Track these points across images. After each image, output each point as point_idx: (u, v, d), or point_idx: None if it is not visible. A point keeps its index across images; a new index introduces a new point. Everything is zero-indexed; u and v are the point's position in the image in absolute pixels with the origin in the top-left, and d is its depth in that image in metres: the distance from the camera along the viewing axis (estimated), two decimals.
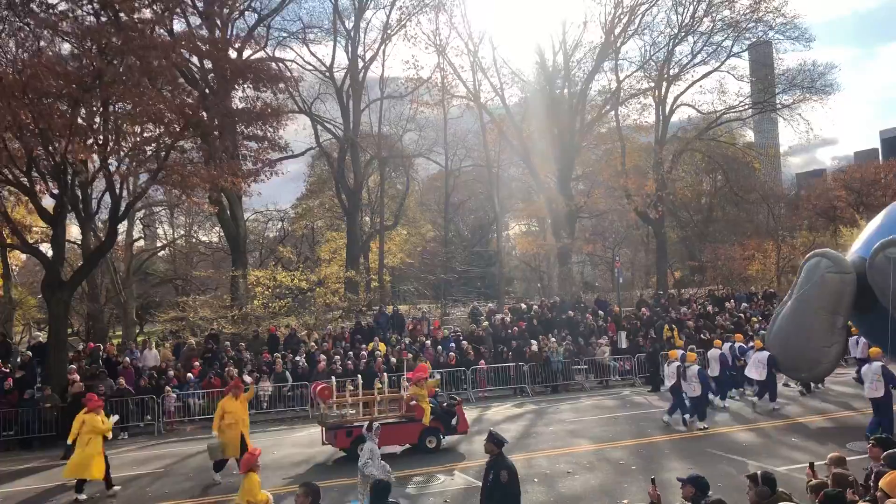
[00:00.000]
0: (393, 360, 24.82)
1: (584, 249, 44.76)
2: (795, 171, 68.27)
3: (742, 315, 30.75)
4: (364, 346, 25.85)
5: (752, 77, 46.84)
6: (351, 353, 25.18)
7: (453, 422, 16.89)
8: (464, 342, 26.56)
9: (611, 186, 38.99)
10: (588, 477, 13.68)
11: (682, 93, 43.32)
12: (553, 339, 26.87)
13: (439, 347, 26.14)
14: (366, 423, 12.61)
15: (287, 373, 23.58)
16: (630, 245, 52.92)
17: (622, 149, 40.92)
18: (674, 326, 28.77)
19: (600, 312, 30.83)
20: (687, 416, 18.14)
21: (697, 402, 18.17)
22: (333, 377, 18.82)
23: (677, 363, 18.95)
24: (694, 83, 42.94)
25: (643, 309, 31.66)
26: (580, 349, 27.25)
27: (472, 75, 39.97)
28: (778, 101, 43.66)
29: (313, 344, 26.05)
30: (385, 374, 20.07)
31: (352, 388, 16.69)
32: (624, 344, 28.07)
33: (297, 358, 24.37)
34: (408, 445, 16.59)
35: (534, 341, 26.55)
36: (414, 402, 16.50)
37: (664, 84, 42.12)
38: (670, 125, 44.21)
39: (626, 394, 24.57)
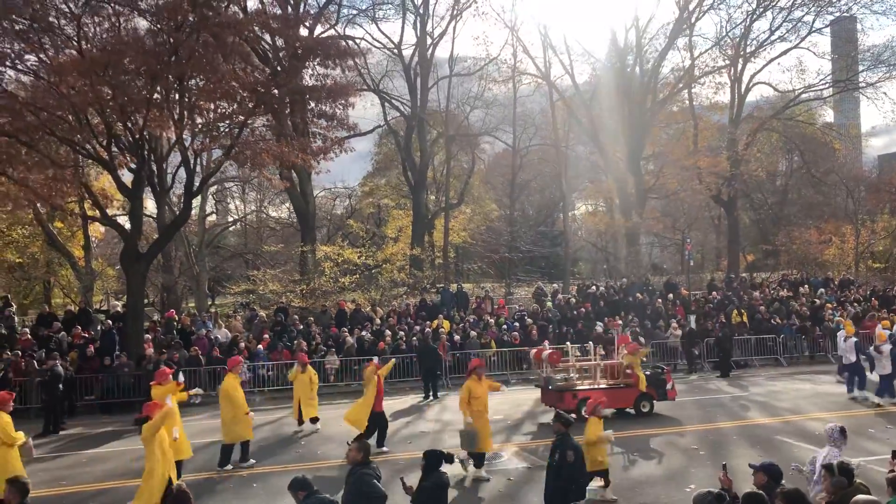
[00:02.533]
0: (456, 337, 24.92)
1: (654, 229, 43.94)
2: (878, 154, 65.24)
3: (817, 301, 29.78)
4: (428, 322, 26.00)
5: (834, 54, 44.95)
6: (417, 328, 25.38)
7: (668, 386, 18.18)
8: (528, 321, 26.44)
9: (682, 166, 38.02)
10: (654, 461, 13.50)
11: (759, 71, 41.90)
12: (620, 322, 26.53)
13: (504, 326, 26.10)
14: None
15: (354, 347, 23.92)
16: (701, 227, 51.74)
17: (695, 128, 39.88)
18: (743, 311, 28.06)
19: (669, 295, 30.26)
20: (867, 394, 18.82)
21: (889, 380, 18.51)
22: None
23: (854, 339, 19.59)
24: (772, 61, 41.48)
25: (714, 292, 30.96)
26: (647, 332, 26.83)
27: (542, 52, 39.47)
28: (861, 80, 41.79)
29: (378, 320, 26.34)
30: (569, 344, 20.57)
31: (578, 354, 18.66)
32: (693, 327, 27.52)
33: (364, 333, 24.67)
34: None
35: (599, 323, 26.25)
36: (630, 370, 17.82)
37: (740, 61, 40.76)
38: (746, 104, 42.84)
39: (694, 378, 24.11)
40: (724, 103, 41.78)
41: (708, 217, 50.04)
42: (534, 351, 20.05)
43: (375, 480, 7.43)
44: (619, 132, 39.07)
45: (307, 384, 16.95)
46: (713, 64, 40.34)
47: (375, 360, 17.96)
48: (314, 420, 16.99)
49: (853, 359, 19.40)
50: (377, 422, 14.55)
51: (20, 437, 11.12)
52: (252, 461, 13.94)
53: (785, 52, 41.35)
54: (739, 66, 40.92)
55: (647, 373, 18.33)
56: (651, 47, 39.98)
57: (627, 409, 17.85)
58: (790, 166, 53.34)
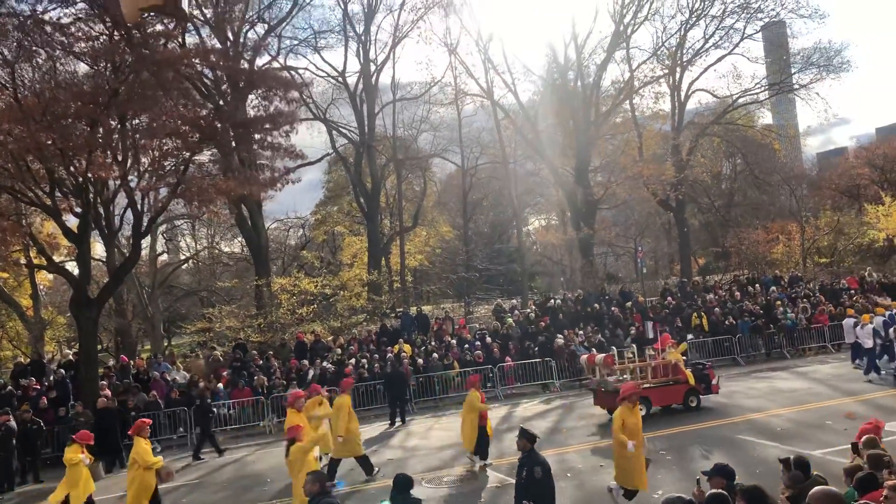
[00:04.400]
0: (419, 361, 24.85)
1: (606, 239, 44.57)
2: (816, 152, 67.33)
3: (770, 299, 30.43)
4: (390, 348, 25.89)
5: (767, 58, 46.34)
6: (377, 355, 25.26)
7: (714, 381, 19.05)
8: (488, 339, 26.51)
9: (629, 176, 38.71)
10: None
11: (697, 78, 42.98)
12: (581, 333, 26.78)
13: (465, 346, 26.13)
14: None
15: (314, 371, 23.66)
16: (652, 234, 52.60)
17: (639, 137, 40.67)
18: (703, 314, 28.53)
19: (626, 303, 30.64)
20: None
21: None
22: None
23: (871, 326, 21.37)
24: (708, 68, 42.64)
25: (668, 298, 31.45)
26: (608, 341, 27.08)
27: (483, 73, 39.92)
28: (794, 82, 43.14)
29: (339, 349, 26.14)
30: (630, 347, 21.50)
31: (630, 355, 19.36)
32: (651, 334, 27.84)
33: (326, 364, 24.45)
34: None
35: (560, 336, 26.45)
36: (677, 365, 18.73)
37: (678, 70, 41.79)
38: (687, 111, 43.86)
39: None
40: (666, 112, 42.74)
41: (658, 224, 50.88)
42: (586, 356, 21.08)
43: None
44: (566, 146, 39.66)
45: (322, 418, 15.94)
46: (652, 74, 41.32)
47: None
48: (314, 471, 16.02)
49: (870, 344, 21.27)
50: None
51: (158, 461, 12.40)
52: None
53: (720, 59, 42.59)
54: (677, 75, 41.95)
55: (688, 369, 19.16)
56: (591, 62, 40.80)
57: (675, 406, 18.80)
58: (734, 169, 54.60)
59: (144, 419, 13.43)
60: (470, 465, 14.88)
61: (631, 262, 53.58)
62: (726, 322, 27.98)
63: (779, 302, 29.80)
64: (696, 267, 49.11)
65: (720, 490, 6.41)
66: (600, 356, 19.66)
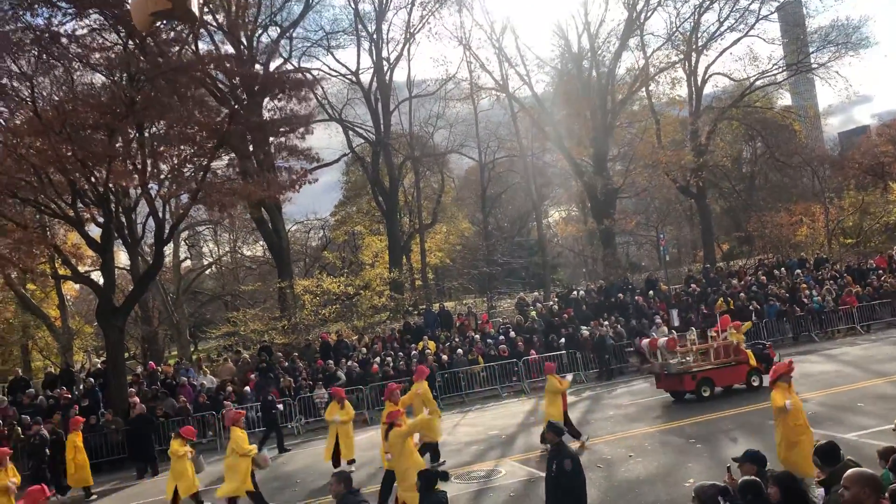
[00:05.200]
0: (444, 357, 24.84)
1: (627, 229, 44.23)
2: (837, 132, 66.30)
3: (796, 282, 30.07)
4: (413, 345, 25.91)
5: (784, 39, 45.69)
6: (401, 353, 25.30)
7: (775, 359, 18.35)
8: (512, 333, 26.44)
9: (648, 163, 38.40)
10: (651, 459, 13.48)
11: (713, 62, 42.46)
12: (606, 323, 26.63)
13: (489, 341, 26.08)
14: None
15: (342, 374, 23.73)
16: (674, 221, 52.12)
17: (656, 124, 40.32)
18: (729, 299, 28.23)
19: (650, 292, 30.43)
20: None
21: None
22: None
23: None
24: (724, 51, 42.04)
25: (692, 285, 31.18)
26: (633, 330, 26.92)
27: (498, 66, 39.77)
28: (813, 61, 42.51)
29: (363, 348, 26.21)
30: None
31: (693, 338, 19.57)
32: (676, 322, 27.63)
33: (350, 363, 24.52)
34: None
35: (584, 327, 26.33)
36: (739, 346, 18.98)
37: (693, 55, 41.33)
38: (704, 96, 43.39)
39: None
40: (683, 97, 42.33)
41: (680, 210, 50.43)
42: (647, 340, 21.13)
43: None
44: (583, 136, 39.40)
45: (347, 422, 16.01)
46: (667, 60, 40.90)
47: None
48: (351, 462, 15.82)
49: None
50: None
51: (253, 449, 13.07)
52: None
53: (736, 42, 41.99)
54: (693, 60, 41.50)
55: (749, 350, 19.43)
56: (605, 50, 40.46)
57: (737, 386, 18.92)
58: (754, 152, 53.98)
59: (239, 410, 14.65)
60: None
61: (653, 251, 53.19)
62: (752, 307, 27.67)
63: (805, 285, 29.43)
64: (720, 252, 48.64)
65: (752, 476, 6.33)
66: (663, 339, 19.91)
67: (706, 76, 42.43)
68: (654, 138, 40.01)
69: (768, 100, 47.83)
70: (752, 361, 18.92)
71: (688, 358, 19.05)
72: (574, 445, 14.43)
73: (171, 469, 13.76)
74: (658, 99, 42.09)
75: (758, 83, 43.57)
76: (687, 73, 41.63)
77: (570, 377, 16.94)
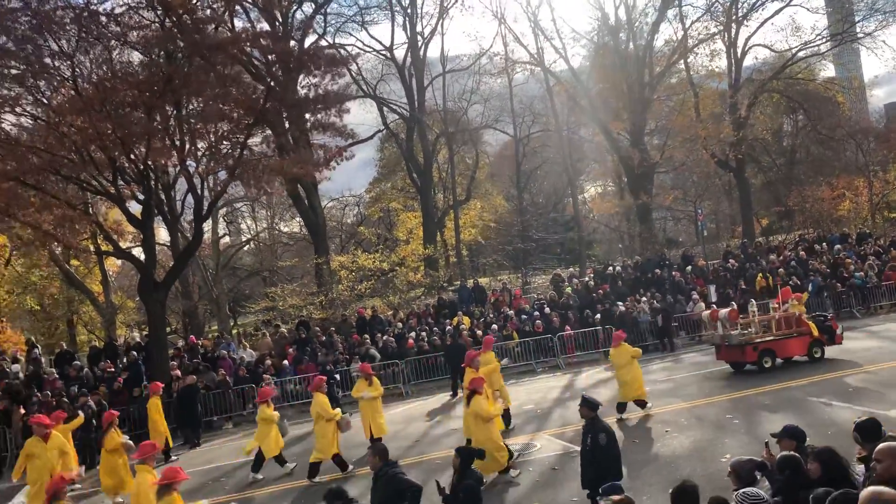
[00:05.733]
0: (478, 332, 24.93)
1: (664, 204, 43.74)
2: (883, 103, 64.45)
3: (837, 257, 29.52)
4: (448, 321, 26.03)
5: (828, 8, 44.46)
6: (436, 328, 25.44)
7: (838, 331, 19.23)
8: (547, 309, 26.40)
9: (686, 137, 37.81)
10: (687, 435, 13.43)
11: (754, 33, 41.51)
12: (644, 300, 26.45)
13: (524, 316, 26.08)
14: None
15: (376, 353, 23.96)
16: (712, 196, 51.36)
17: (695, 97, 39.63)
18: (769, 275, 27.84)
19: (687, 268, 30.12)
20: None
21: None
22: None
23: None
24: (765, 22, 41.07)
25: (730, 260, 30.77)
26: (670, 306, 26.71)
27: (533, 40, 39.38)
28: (858, 30, 41.30)
29: (399, 323, 26.40)
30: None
31: (754, 309, 19.51)
32: (714, 297, 27.36)
33: (386, 338, 24.74)
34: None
35: (620, 303, 26.19)
36: (801, 317, 19.05)
37: (734, 26, 40.41)
38: (744, 68, 42.46)
39: None
40: (722, 70, 41.48)
41: (718, 185, 49.65)
42: (708, 311, 21.04)
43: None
44: (620, 110, 38.91)
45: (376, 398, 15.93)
46: (706, 31, 40.06)
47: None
48: (378, 440, 15.41)
49: None
50: None
51: (338, 413, 13.78)
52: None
53: (778, 12, 41.14)
54: (733, 31, 40.58)
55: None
56: (642, 22, 39.82)
57: (797, 358, 18.88)
58: (795, 125, 52.78)
59: (321, 376, 15.33)
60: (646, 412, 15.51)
61: (691, 226, 52.59)
62: (791, 283, 27.24)
63: (849, 260, 28.87)
64: (759, 228, 47.86)
65: (791, 452, 6.29)
66: (724, 311, 20.02)
67: (746, 48, 41.52)
68: (693, 111, 39.34)
69: (811, 71, 46.60)
70: (815, 332, 18.87)
71: (749, 329, 19.05)
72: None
73: (256, 432, 14.46)
74: (696, 71, 41.29)
75: (800, 54, 42.46)
76: (727, 45, 40.75)
77: (505, 361, 16.84)
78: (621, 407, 15.41)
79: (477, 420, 11.75)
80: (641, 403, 15.59)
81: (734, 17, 39.99)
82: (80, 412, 17.52)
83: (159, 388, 18.07)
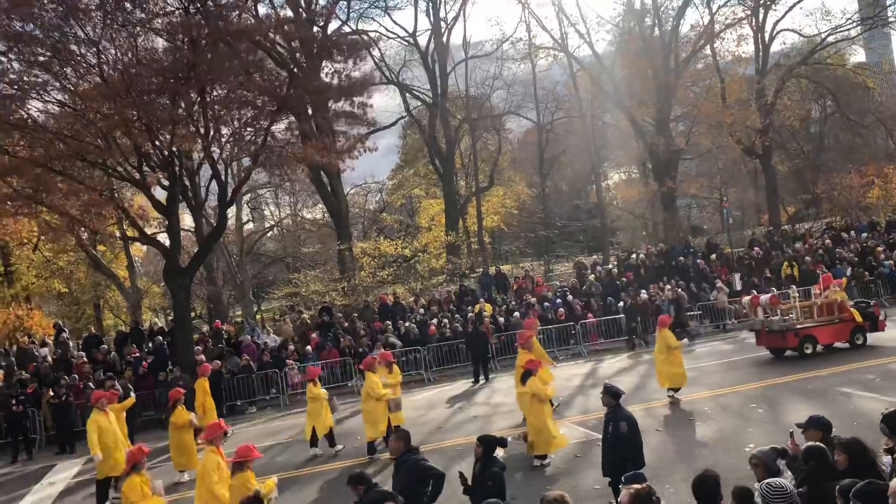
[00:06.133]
0: (500, 319, 24.91)
1: (689, 191, 43.30)
2: None
3: (866, 245, 29.09)
4: (470, 308, 26.03)
5: None
6: (458, 315, 25.45)
7: (881, 317, 19.33)
8: (570, 297, 26.31)
9: (712, 123, 37.34)
10: (711, 424, 13.36)
11: (782, 17, 40.87)
12: (667, 288, 26.26)
13: (546, 304, 26.01)
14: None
15: (397, 339, 24.02)
16: (738, 183, 50.77)
17: (721, 83, 39.12)
18: (794, 263, 27.52)
19: (712, 256, 29.84)
20: None
21: None
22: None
23: None
24: (794, 6, 40.50)
25: (755, 248, 30.45)
26: (693, 295, 26.51)
27: (557, 25, 39.11)
28: (890, 14, 40.47)
29: (420, 310, 26.45)
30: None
31: (796, 295, 19.59)
32: (738, 286, 27.12)
33: (408, 324, 24.80)
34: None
35: (643, 291, 26.04)
36: (843, 304, 19.06)
37: (761, 10, 39.75)
38: (771, 53, 41.79)
39: (744, 337, 23.76)
40: (749, 55, 40.89)
41: (744, 172, 49.05)
42: (748, 297, 21.19)
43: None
44: (645, 96, 38.52)
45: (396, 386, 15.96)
46: (733, 16, 39.47)
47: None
48: (397, 428, 16.05)
49: None
50: None
51: (387, 392, 14.04)
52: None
53: None
54: (761, 16, 39.92)
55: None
56: (668, 6, 39.28)
57: (838, 344, 18.92)
58: (823, 111, 51.96)
59: (372, 356, 15.50)
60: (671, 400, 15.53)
61: (716, 214, 52.06)
62: (818, 271, 26.90)
63: (879, 248, 28.44)
64: (785, 215, 47.22)
65: (817, 442, 6.21)
66: (765, 296, 20.07)
67: (774, 32, 40.85)
68: (719, 98, 38.84)
69: (840, 56, 45.78)
70: (858, 319, 18.78)
71: (791, 315, 19.05)
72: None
73: (307, 411, 14.76)
74: (723, 57, 40.72)
75: (829, 39, 41.72)
76: (754, 30, 40.13)
77: None
78: (673, 391, 15.72)
79: (532, 401, 11.95)
80: (673, 390, 15.67)
81: (762, 2, 39.35)
82: (132, 393, 17.79)
83: (208, 370, 18.31)
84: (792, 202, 51.60)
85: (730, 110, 37.31)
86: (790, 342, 18.55)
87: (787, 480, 5.63)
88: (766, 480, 5.46)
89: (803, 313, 19.18)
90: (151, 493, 8.64)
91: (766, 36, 40.48)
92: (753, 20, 39.80)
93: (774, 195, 42.57)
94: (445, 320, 24.97)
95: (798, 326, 18.63)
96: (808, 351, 18.39)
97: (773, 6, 39.89)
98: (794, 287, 20.95)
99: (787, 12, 40.56)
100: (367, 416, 13.84)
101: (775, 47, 42.32)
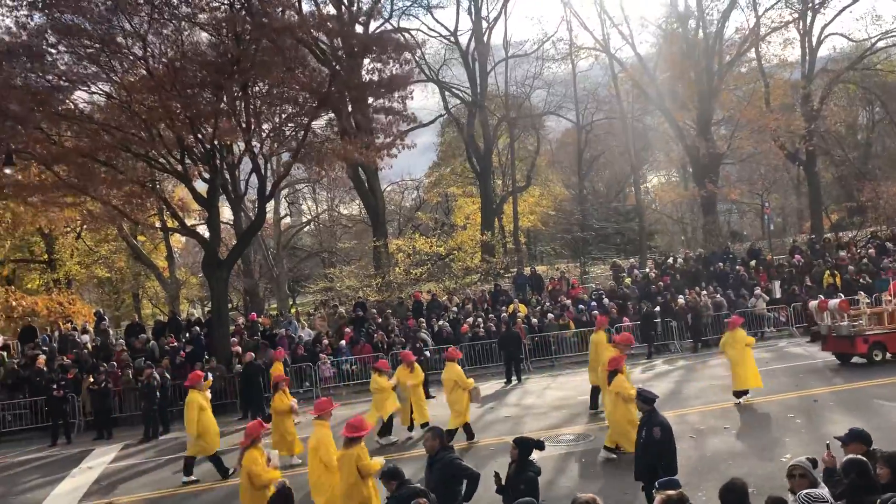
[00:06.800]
0: (534, 320, 24.81)
1: (730, 196, 42.63)
2: None
3: None
4: (504, 308, 25.95)
5: None
6: (492, 315, 25.40)
7: None
8: (605, 300, 26.10)
9: (755, 128, 36.73)
10: (746, 432, 13.14)
11: (830, 21, 39.96)
12: (704, 293, 25.92)
13: (581, 306, 25.84)
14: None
15: (427, 336, 24.04)
16: (780, 189, 49.91)
17: (765, 87, 38.47)
18: (836, 272, 26.96)
19: (751, 262, 29.37)
20: None
21: None
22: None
23: None
24: (843, 10, 39.39)
25: (796, 256, 29.91)
26: (731, 302, 26.12)
27: (599, 25, 38.80)
28: None
29: (455, 308, 26.45)
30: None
31: (867, 300, 19.60)
32: (778, 293, 26.66)
33: (441, 322, 24.82)
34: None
35: (680, 296, 25.72)
36: None
37: (809, 14, 38.97)
38: (819, 58, 40.94)
39: (783, 345, 23.38)
40: (795, 59, 40.14)
41: (787, 178, 48.20)
42: (815, 302, 21.08)
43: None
44: (686, 99, 38.06)
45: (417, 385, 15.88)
46: (780, 20, 38.78)
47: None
48: (425, 426, 15.56)
49: None
50: None
51: (471, 382, 14.45)
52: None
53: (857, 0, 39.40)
54: (808, 19, 39.13)
55: None
56: (713, 9, 38.72)
57: None
58: (871, 118, 50.84)
59: (455, 349, 15.86)
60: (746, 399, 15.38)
61: (757, 220, 51.24)
62: (861, 281, 26.34)
63: None
64: (828, 223, 46.28)
65: (859, 455, 6.08)
66: (834, 301, 19.81)
67: (822, 37, 39.98)
68: (763, 102, 38.19)
69: (890, 62, 44.70)
70: None
71: (860, 321, 18.77)
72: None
73: (373, 401, 15.01)
74: (768, 61, 40.02)
75: (879, 44, 40.75)
76: (801, 34, 39.35)
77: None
78: (738, 394, 15.46)
79: (617, 400, 11.87)
80: (739, 393, 15.46)
81: (810, 5, 38.57)
82: (209, 375, 18.09)
83: (282, 355, 18.99)
84: (836, 210, 50.53)
85: (773, 115, 36.67)
86: (859, 349, 18.21)
87: (825, 491, 5.52)
88: (806, 491, 5.37)
89: (872, 320, 18.84)
90: (267, 465, 8.90)
91: (814, 40, 39.65)
92: (801, 23, 39.04)
93: (818, 202, 41.75)
94: (479, 320, 24.93)
95: (868, 333, 18.31)
96: (878, 358, 18.01)
97: (822, 10, 39.10)
98: (862, 293, 20.65)
99: (836, 16, 39.87)
100: (452, 405, 14.15)
101: (823, 52, 41.51)
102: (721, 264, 28.85)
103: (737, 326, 16.25)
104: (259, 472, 8.62)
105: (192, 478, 13.58)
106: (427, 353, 22.18)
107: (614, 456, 11.97)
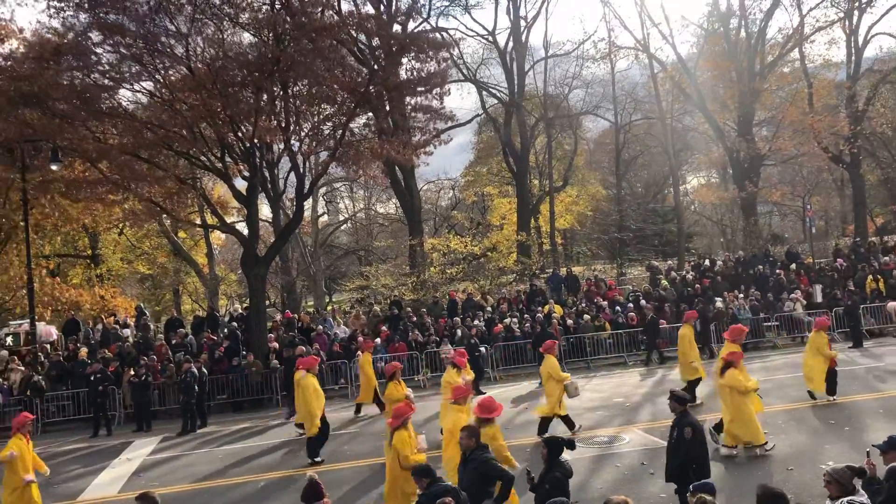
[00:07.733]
0: (569, 322, 24.68)
1: (771, 198, 41.98)
2: None
3: None
4: (539, 308, 25.87)
5: None
6: (527, 315, 25.33)
7: None
8: (642, 301, 25.85)
9: (798, 129, 36.08)
10: (784, 437, 12.92)
11: (878, 21, 39.37)
12: (741, 296, 25.55)
13: (617, 308, 25.65)
14: None
15: (468, 338, 24.04)
16: (823, 192, 48.99)
17: (809, 87, 37.78)
18: (879, 277, 26.38)
19: (792, 266, 28.87)
20: None
21: None
22: None
23: None
24: (891, 9, 38.51)
25: (839, 260, 29.31)
26: (770, 305, 25.71)
27: (639, 25, 38.50)
28: None
29: (489, 308, 26.42)
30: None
31: None
32: (819, 298, 26.17)
33: (476, 322, 24.81)
34: None
35: (718, 299, 25.37)
36: None
37: (855, 13, 38.17)
38: (865, 58, 40.05)
39: None
40: (840, 59, 39.34)
41: (830, 180, 47.28)
42: (894, 303, 21.77)
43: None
44: (727, 99, 37.55)
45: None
46: (825, 19, 38.03)
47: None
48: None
49: None
50: None
51: (567, 376, 14.68)
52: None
53: None
54: (855, 19, 38.30)
55: None
56: (755, 8, 38.12)
57: None
58: None
59: (554, 340, 16.34)
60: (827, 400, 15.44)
61: (798, 222, 50.40)
62: None
63: None
64: (873, 227, 45.29)
65: None
66: (893, 304, 20.14)
67: (868, 36, 39.10)
68: (806, 103, 37.50)
69: None
70: None
71: None
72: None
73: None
74: (812, 61, 39.25)
75: None
76: (847, 33, 38.54)
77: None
78: (811, 395, 15.68)
79: (732, 393, 11.97)
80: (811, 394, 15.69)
81: (856, 4, 37.76)
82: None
83: (371, 346, 19.41)
84: (881, 213, 49.45)
85: (817, 116, 35.99)
86: None
87: (864, 499, 5.44)
88: (846, 498, 5.29)
89: None
90: (417, 448, 9.23)
91: (860, 40, 38.81)
92: (846, 23, 38.23)
93: (862, 205, 40.87)
94: (514, 319, 24.88)
95: None
96: None
97: (869, 9, 38.27)
98: None
99: (883, 15, 39.15)
100: (547, 397, 14.56)
101: (869, 52, 40.58)
102: (760, 267, 28.41)
103: (821, 328, 16.03)
104: (407, 455, 8.93)
105: (318, 458, 14.00)
106: (482, 350, 22.32)
107: (734, 452, 12.08)
